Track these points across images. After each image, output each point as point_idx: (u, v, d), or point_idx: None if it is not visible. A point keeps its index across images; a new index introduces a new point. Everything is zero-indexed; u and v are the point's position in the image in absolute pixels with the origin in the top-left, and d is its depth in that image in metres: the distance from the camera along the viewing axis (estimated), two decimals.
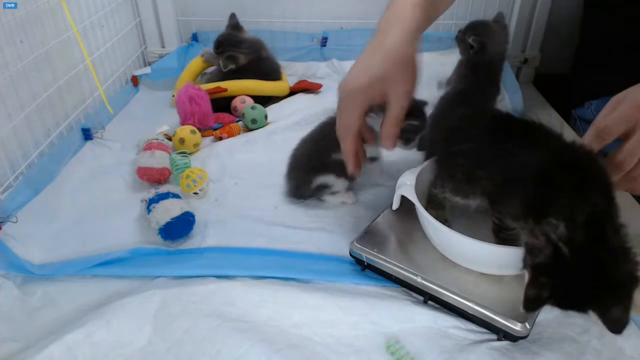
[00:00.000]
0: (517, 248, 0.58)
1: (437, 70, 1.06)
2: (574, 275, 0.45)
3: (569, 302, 0.47)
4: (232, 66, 1.15)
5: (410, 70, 0.61)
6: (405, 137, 0.76)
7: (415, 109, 0.77)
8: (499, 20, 0.92)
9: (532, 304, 0.47)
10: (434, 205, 0.65)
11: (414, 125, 0.75)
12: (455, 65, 0.96)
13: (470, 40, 0.87)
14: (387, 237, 0.67)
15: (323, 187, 0.79)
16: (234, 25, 1.19)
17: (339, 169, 0.77)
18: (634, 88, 0.56)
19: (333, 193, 0.80)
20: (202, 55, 1.22)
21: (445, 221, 0.63)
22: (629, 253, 0.46)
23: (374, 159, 0.86)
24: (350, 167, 0.67)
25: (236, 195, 0.84)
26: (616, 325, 0.45)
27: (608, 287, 0.45)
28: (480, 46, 0.88)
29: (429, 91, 0.86)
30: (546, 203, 0.48)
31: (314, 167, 0.78)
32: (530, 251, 0.48)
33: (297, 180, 0.81)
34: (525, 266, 0.48)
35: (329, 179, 0.78)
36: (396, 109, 0.61)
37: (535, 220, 0.48)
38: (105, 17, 1.15)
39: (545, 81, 1.33)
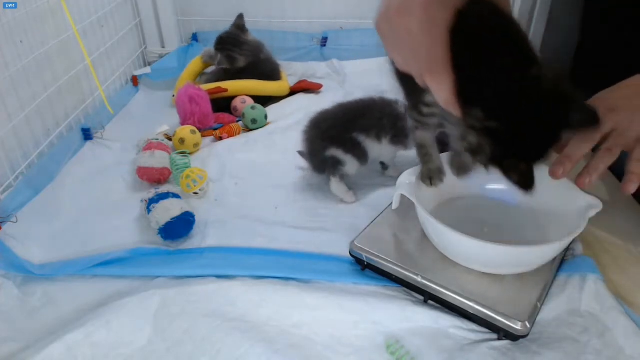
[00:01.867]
0: (518, 247, 0.59)
1: None
2: (523, 131, 0.44)
3: (540, 147, 0.46)
4: (226, 66, 1.15)
5: None
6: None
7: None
8: None
9: (525, 183, 0.46)
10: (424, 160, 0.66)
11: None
12: None
13: None
14: (387, 237, 0.67)
15: (335, 162, 0.79)
16: (240, 26, 1.19)
17: (353, 149, 0.78)
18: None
19: (343, 175, 0.80)
20: (202, 57, 1.22)
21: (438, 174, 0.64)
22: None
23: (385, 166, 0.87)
24: (450, 106, 0.47)
25: (236, 195, 0.84)
26: (592, 119, 0.45)
27: (553, 101, 0.44)
28: None
29: None
30: (465, 91, 0.45)
31: (332, 136, 0.79)
32: (476, 152, 0.46)
33: (313, 143, 0.81)
34: (486, 165, 0.46)
35: (340, 153, 0.79)
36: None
37: (464, 111, 0.46)
38: (105, 17, 1.15)
39: None
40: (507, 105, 0.43)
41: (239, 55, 1.16)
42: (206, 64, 1.23)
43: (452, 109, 0.46)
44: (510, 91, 0.43)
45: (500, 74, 0.43)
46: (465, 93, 0.45)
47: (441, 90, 0.45)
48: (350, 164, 0.80)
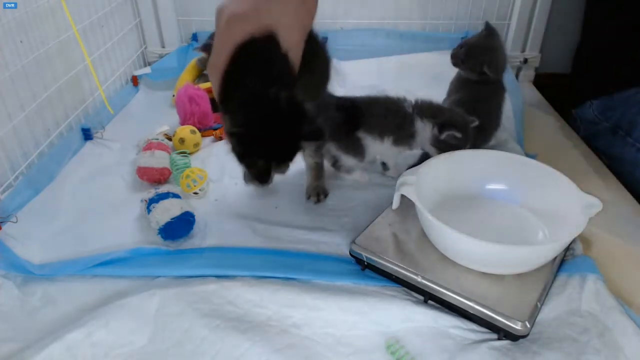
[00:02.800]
0: (518, 247, 0.59)
1: (436, 71, 1.06)
2: (260, 137, 0.55)
3: (278, 152, 0.57)
4: (202, 54, 1.16)
5: (304, 1, 0.55)
6: (444, 148, 0.76)
7: (461, 122, 0.77)
8: (490, 32, 0.90)
9: (261, 178, 0.58)
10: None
11: (457, 138, 0.75)
12: (455, 77, 0.95)
13: (485, 70, 0.86)
14: (387, 237, 0.67)
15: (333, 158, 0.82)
16: None
17: (350, 145, 0.80)
18: None
19: (348, 171, 0.82)
20: (197, 62, 1.22)
21: None
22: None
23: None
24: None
25: (236, 195, 0.84)
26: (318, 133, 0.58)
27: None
28: (496, 71, 0.88)
29: (429, 91, 0.86)
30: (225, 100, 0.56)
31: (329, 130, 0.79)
32: (232, 149, 0.57)
33: None
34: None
35: (333, 149, 0.80)
36: (287, 48, 0.54)
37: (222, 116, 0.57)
38: (105, 17, 1.15)
39: (545, 81, 1.33)
40: (245, 116, 0.54)
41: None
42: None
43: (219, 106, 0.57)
44: (248, 105, 0.54)
45: (243, 91, 0.53)
46: (224, 102, 0.56)
47: (213, 87, 0.56)
48: (346, 160, 0.80)
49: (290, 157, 0.59)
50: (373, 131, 0.79)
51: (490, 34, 0.90)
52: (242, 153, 0.57)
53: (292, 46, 0.54)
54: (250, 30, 0.52)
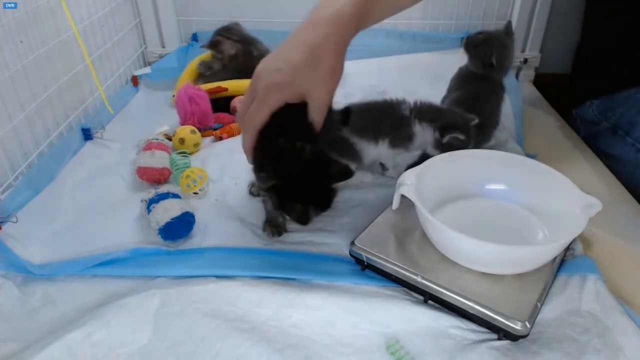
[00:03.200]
0: (518, 247, 0.59)
1: (436, 71, 1.06)
2: (294, 184, 0.64)
3: (313, 194, 0.66)
4: (212, 51, 1.17)
5: (333, 72, 0.62)
6: (447, 150, 0.76)
7: (462, 123, 0.77)
8: (509, 31, 0.92)
9: (301, 219, 0.68)
10: None
11: (460, 140, 0.75)
12: (456, 73, 0.95)
13: (493, 61, 0.88)
14: (387, 237, 0.67)
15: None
16: (235, 23, 1.20)
17: (344, 150, 0.79)
18: None
19: None
20: (197, 67, 1.21)
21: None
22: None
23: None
24: (248, 160, 0.69)
25: (236, 195, 0.84)
26: (347, 171, 0.69)
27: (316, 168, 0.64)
28: (501, 67, 0.89)
29: (429, 91, 0.86)
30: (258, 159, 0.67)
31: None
32: (269, 198, 0.70)
33: None
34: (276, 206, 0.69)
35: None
36: (315, 110, 0.62)
37: (256, 172, 0.68)
38: (105, 17, 1.15)
39: (545, 81, 1.33)
40: (277, 168, 0.63)
41: (226, 38, 1.15)
42: None
43: (247, 159, 0.68)
44: (278, 159, 0.63)
45: (273, 148, 0.63)
46: (258, 160, 0.66)
47: (245, 142, 0.66)
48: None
49: (327, 199, 0.67)
50: (366, 134, 0.78)
51: (508, 33, 0.92)
52: (281, 202, 0.66)
53: (319, 110, 0.63)
54: (285, 98, 0.61)
